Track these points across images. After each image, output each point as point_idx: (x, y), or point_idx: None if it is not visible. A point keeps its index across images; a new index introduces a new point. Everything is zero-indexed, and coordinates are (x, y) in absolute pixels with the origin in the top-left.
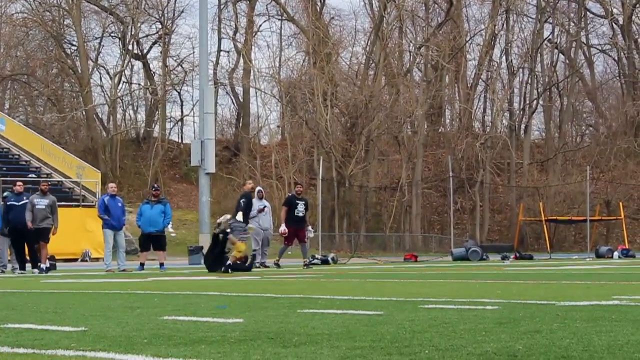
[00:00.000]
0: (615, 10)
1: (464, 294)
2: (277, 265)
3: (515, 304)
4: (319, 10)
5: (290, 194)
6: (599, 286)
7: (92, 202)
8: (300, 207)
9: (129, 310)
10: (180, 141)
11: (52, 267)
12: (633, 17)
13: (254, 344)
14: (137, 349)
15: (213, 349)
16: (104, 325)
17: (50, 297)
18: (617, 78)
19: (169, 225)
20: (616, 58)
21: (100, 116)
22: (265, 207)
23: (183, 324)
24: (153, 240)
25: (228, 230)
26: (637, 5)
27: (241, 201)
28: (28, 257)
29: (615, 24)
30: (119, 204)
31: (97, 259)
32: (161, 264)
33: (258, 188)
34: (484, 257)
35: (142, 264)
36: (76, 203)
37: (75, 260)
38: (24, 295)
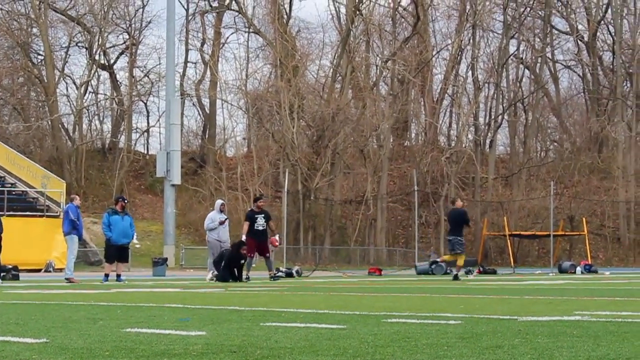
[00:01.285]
0: (580, 27)
1: (427, 308)
2: (247, 278)
3: (477, 318)
4: (286, 22)
5: (249, 209)
6: (562, 301)
7: (57, 213)
8: (260, 220)
9: (91, 322)
10: (146, 152)
11: (15, 277)
12: (598, 33)
13: (216, 357)
14: None
15: None
16: (66, 337)
17: (12, 308)
18: (582, 94)
19: (134, 237)
20: (581, 74)
21: (65, 126)
22: (226, 219)
23: (145, 336)
24: (121, 252)
25: None
26: (602, 22)
27: None
28: None
29: (580, 40)
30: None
31: (61, 269)
32: (119, 276)
33: (220, 201)
34: (448, 271)
35: (107, 275)
36: (40, 213)
37: (39, 270)
38: None
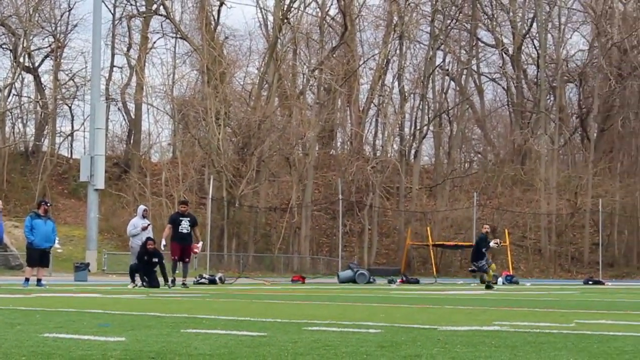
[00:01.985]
0: (505, 40)
1: (349, 316)
2: (173, 282)
3: (398, 327)
4: (213, 29)
5: (174, 212)
6: (482, 312)
7: None
8: (185, 223)
9: (9, 326)
10: (69, 156)
11: None
12: (522, 47)
13: None
14: None
15: None
16: None
17: None
18: (506, 107)
19: (56, 242)
20: (505, 87)
21: None
22: (149, 225)
23: (64, 341)
24: (43, 256)
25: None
26: (527, 36)
27: None
28: None
29: (505, 53)
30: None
31: None
32: (39, 280)
33: (142, 207)
34: (371, 280)
35: (27, 279)
36: None
37: None
38: None
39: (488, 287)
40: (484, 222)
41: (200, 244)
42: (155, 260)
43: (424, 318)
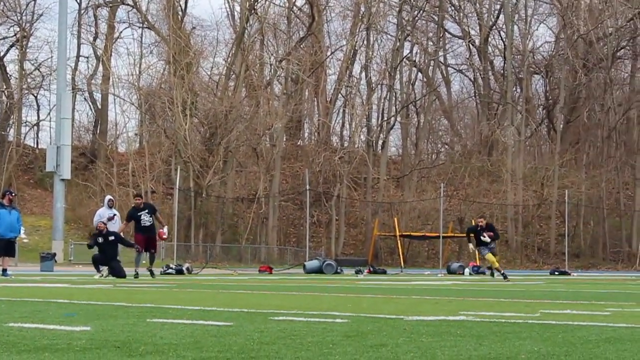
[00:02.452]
0: (472, 32)
1: (315, 306)
2: (137, 274)
3: (364, 317)
4: (180, 19)
5: (131, 208)
6: (448, 302)
7: None
8: (144, 216)
9: None
10: (35, 146)
11: None
12: (489, 39)
13: (100, 352)
14: None
15: (57, 357)
16: None
17: None
18: (473, 98)
19: (21, 232)
20: (472, 78)
21: None
22: (115, 215)
23: (29, 331)
24: (8, 246)
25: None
26: (494, 28)
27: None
28: None
29: (472, 45)
30: None
31: None
32: (5, 270)
33: (108, 197)
34: (338, 270)
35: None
36: None
37: None
38: None
39: (504, 276)
40: (451, 212)
41: (165, 229)
42: (112, 238)
43: (390, 308)
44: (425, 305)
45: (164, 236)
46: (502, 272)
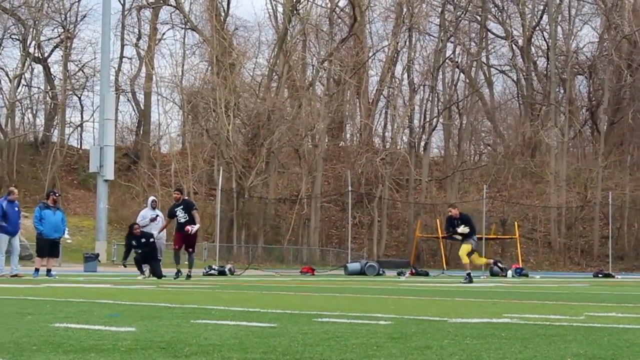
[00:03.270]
0: (515, 32)
1: (358, 308)
2: (177, 274)
3: (408, 319)
4: (223, 20)
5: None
6: (491, 304)
7: None
8: (179, 212)
9: (19, 316)
10: (79, 147)
11: None
12: (532, 39)
13: (145, 353)
14: (26, 355)
15: (103, 358)
16: None
17: None
18: (516, 99)
19: (65, 232)
20: (515, 79)
21: None
22: (157, 216)
23: (74, 331)
24: (52, 246)
25: None
26: (537, 28)
27: None
28: None
29: (515, 45)
30: (16, 209)
31: None
32: (49, 270)
33: (151, 198)
34: (380, 272)
35: (37, 270)
36: None
37: None
38: None
39: (469, 278)
40: (493, 214)
41: (194, 226)
42: (144, 240)
43: (433, 310)
44: (468, 308)
45: (189, 230)
46: (468, 272)
